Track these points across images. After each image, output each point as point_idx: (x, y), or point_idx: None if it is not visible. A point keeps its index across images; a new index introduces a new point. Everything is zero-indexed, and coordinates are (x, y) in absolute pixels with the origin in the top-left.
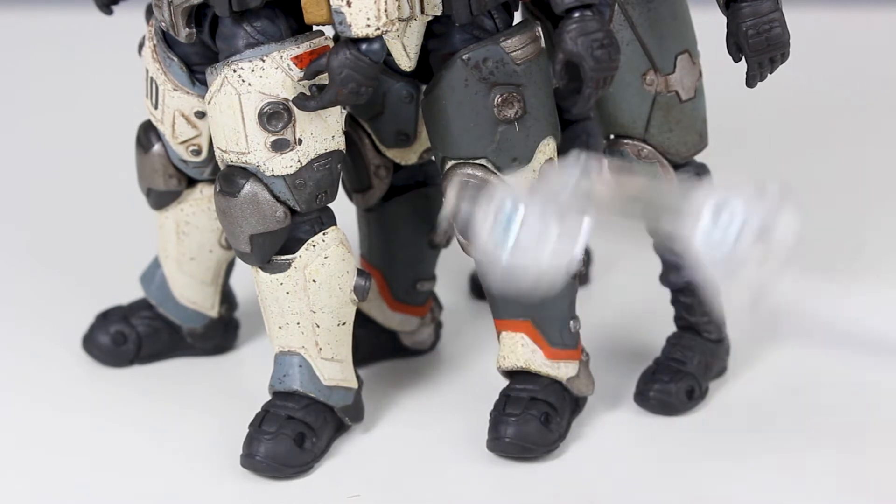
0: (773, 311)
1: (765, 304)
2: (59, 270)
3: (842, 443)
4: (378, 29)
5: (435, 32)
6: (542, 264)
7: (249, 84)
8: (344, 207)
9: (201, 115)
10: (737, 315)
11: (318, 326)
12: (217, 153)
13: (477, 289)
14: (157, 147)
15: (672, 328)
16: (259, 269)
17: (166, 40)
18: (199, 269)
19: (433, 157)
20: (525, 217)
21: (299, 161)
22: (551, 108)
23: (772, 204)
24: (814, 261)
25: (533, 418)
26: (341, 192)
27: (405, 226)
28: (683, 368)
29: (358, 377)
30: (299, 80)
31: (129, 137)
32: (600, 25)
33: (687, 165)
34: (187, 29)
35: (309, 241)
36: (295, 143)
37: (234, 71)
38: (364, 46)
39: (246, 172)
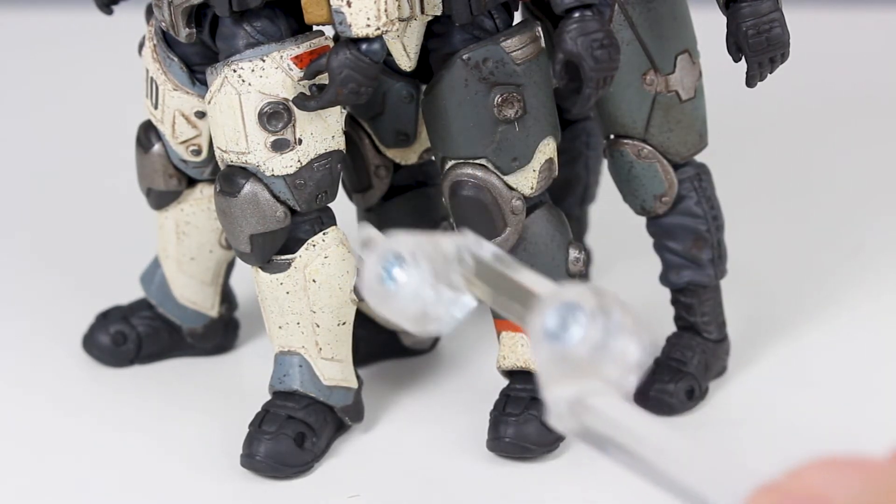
0: (588, 424)
1: (582, 415)
2: (59, 270)
3: (841, 442)
4: (378, 29)
5: (435, 32)
6: (406, 320)
7: (249, 84)
8: (344, 207)
9: (201, 114)
10: (554, 417)
11: (318, 326)
12: (217, 153)
13: None
14: (157, 147)
15: (672, 328)
16: (259, 269)
17: (166, 40)
18: (199, 269)
19: (433, 157)
20: (405, 276)
21: (299, 161)
22: (551, 108)
23: (617, 324)
24: (813, 260)
25: (533, 418)
26: (341, 191)
27: (405, 225)
28: (683, 368)
29: (358, 377)
30: (299, 80)
31: (129, 137)
32: (600, 25)
33: (687, 165)
34: (187, 29)
35: (309, 241)
36: (295, 142)
37: (235, 71)
38: (364, 46)
39: (246, 172)
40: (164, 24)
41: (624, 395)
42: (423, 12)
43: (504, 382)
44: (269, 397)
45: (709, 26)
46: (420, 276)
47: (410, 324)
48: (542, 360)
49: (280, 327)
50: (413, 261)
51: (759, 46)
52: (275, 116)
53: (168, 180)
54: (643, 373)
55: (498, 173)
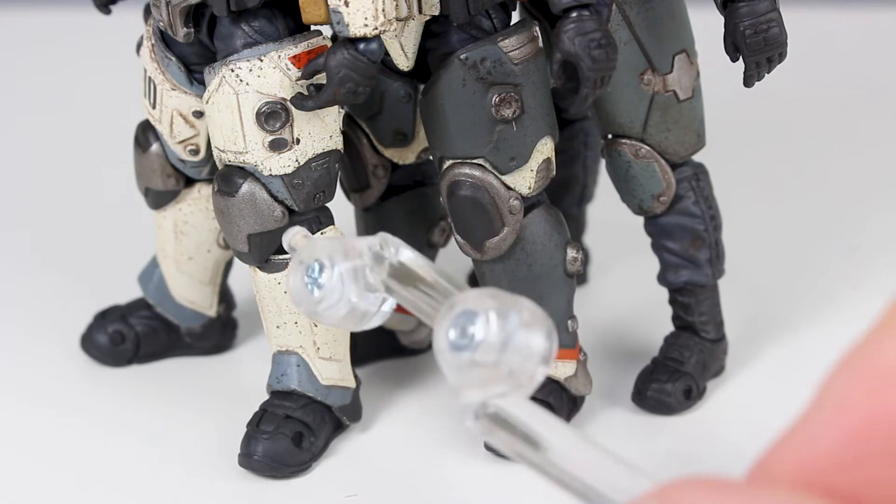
0: (491, 423)
1: (486, 415)
2: (58, 270)
3: None
4: (376, 28)
5: (433, 32)
6: (341, 321)
7: (247, 84)
8: (342, 207)
9: (199, 114)
10: (468, 423)
11: (316, 326)
12: (215, 153)
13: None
14: (155, 147)
15: (670, 328)
16: (257, 269)
17: (164, 40)
18: (198, 269)
19: (431, 157)
20: (329, 279)
21: (297, 160)
22: (549, 108)
23: (515, 322)
24: (811, 260)
25: None
26: (339, 191)
27: (403, 225)
28: (681, 368)
29: (356, 376)
30: (297, 80)
31: (128, 137)
32: (598, 25)
33: (684, 165)
34: (185, 29)
35: None
36: (293, 142)
37: (232, 70)
38: (362, 46)
39: (244, 172)
40: (161, 23)
41: (535, 389)
42: (420, 12)
43: None
44: (266, 397)
45: (707, 26)
46: (340, 279)
47: (346, 324)
48: (449, 369)
49: (278, 327)
50: (330, 265)
51: (757, 46)
52: (273, 116)
53: (166, 180)
54: (551, 362)
55: (496, 173)
